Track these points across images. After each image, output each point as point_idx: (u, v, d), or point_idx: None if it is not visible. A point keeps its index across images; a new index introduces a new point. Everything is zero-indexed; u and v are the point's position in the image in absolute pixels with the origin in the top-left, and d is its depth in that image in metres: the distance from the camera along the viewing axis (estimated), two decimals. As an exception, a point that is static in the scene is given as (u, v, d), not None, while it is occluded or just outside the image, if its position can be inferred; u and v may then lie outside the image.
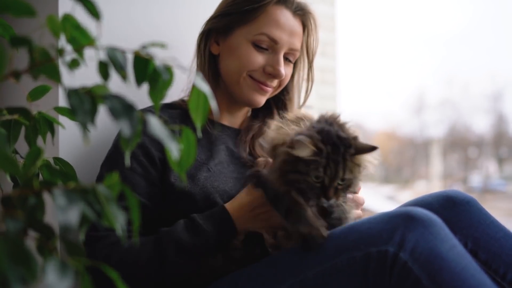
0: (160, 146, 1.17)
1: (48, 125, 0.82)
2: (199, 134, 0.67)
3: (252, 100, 1.29)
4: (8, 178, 0.79)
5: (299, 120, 1.08)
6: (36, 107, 0.83)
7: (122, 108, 0.58)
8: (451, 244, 0.92)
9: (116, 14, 1.37)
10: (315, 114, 1.14)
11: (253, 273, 1.04)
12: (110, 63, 0.62)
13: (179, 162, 0.64)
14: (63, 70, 0.63)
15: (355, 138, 1.00)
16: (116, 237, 1.08)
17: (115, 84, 0.76)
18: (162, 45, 0.65)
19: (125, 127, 0.57)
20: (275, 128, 1.09)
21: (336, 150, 0.97)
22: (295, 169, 0.99)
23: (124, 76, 0.62)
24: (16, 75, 0.60)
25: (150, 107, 1.24)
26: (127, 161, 0.63)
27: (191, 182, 1.16)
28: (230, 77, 1.28)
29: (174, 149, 0.60)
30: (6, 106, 0.75)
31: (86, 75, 0.95)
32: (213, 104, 0.65)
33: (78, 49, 0.63)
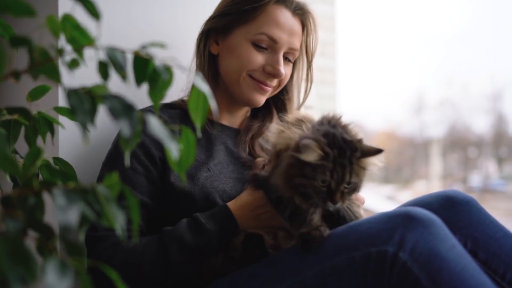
0: (160, 146, 1.17)
1: (48, 125, 0.82)
2: (199, 134, 0.67)
3: (252, 100, 1.29)
4: (8, 178, 0.79)
5: (300, 122, 1.07)
6: (36, 107, 0.83)
7: (121, 108, 0.58)
8: (450, 244, 0.92)
9: (116, 14, 1.37)
10: (315, 114, 1.14)
11: (253, 273, 1.04)
12: (110, 63, 0.62)
13: (178, 162, 0.64)
14: (63, 70, 0.63)
15: (360, 140, 0.99)
16: (118, 237, 1.08)
17: (115, 84, 0.76)
18: (162, 45, 0.65)
19: (124, 127, 0.57)
20: (277, 132, 1.08)
21: (343, 154, 0.97)
22: (301, 174, 0.97)
23: (123, 76, 0.62)
24: (16, 75, 0.60)
25: (149, 107, 1.24)
26: (127, 161, 0.63)
27: (190, 182, 1.16)
28: (230, 77, 1.28)
29: (173, 149, 0.61)
30: (6, 106, 0.75)
31: (86, 75, 0.95)
32: (212, 104, 0.65)
33: (78, 49, 0.63)
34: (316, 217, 1.01)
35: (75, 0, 0.62)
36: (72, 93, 0.58)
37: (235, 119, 1.37)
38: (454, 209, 1.11)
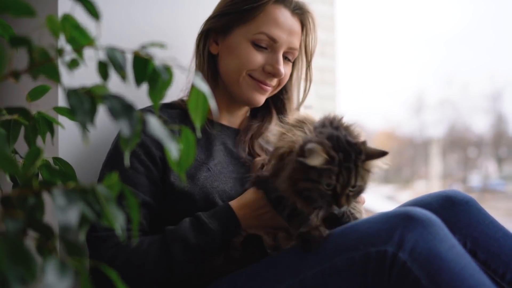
0: (160, 145, 1.17)
1: (47, 125, 0.82)
2: (199, 134, 0.67)
3: (252, 100, 1.29)
4: (8, 178, 0.79)
5: (301, 123, 1.07)
6: (35, 107, 0.83)
7: (121, 108, 0.58)
8: (450, 244, 0.93)
9: (116, 14, 1.37)
10: (314, 114, 1.14)
11: (252, 273, 1.04)
12: (110, 63, 0.62)
13: (178, 162, 0.64)
14: (63, 70, 0.63)
15: (364, 143, 0.99)
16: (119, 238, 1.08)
17: (115, 84, 0.76)
18: (162, 45, 0.65)
19: (124, 127, 0.58)
20: (278, 134, 1.08)
21: (348, 157, 0.96)
22: (306, 178, 0.97)
23: (123, 76, 0.62)
24: (16, 75, 0.60)
25: (149, 106, 1.24)
26: (127, 161, 0.63)
27: (190, 182, 1.16)
28: (230, 77, 1.28)
29: (173, 149, 0.61)
30: (6, 106, 0.75)
31: (85, 75, 0.95)
32: (212, 104, 0.65)
33: (78, 49, 0.63)
34: (315, 217, 1.01)
35: (75, 0, 0.62)
36: (71, 93, 0.58)
37: (234, 119, 1.37)
38: (453, 209, 1.11)
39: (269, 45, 1.25)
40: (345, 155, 0.96)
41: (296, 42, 1.28)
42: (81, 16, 0.65)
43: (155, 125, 0.60)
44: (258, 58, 1.25)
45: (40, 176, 0.73)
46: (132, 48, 0.65)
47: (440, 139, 23.06)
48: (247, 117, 1.40)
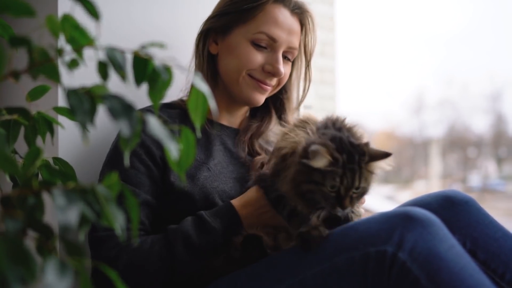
0: (161, 145, 1.17)
1: (47, 125, 0.82)
2: (198, 134, 0.67)
3: (252, 99, 1.29)
4: (8, 178, 0.79)
5: (303, 123, 1.07)
6: (35, 107, 0.83)
7: (121, 108, 0.58)
8: (449, 244, 0.93)
9: (116, 14, 1.37)
10: (314, 114, 1.14)
11: (252, 273, 1.04)
12: (110, 63, 0.62)
13: (178, 162, 0.64)
14: (63, 70, 0.63)
15: (367, 144, 0.99)
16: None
17: (115, 84, 0.76)
18: (161, 45, 0.65)
19: (124, 127, 0.58)
20: (281, 135, 1.08)
21: (351, 159, 0.96)
22: (310, 180, 0.97)
23: (123, 76, 0.62)
24: (16, 75, 0.60)
25: (149, 106, 1.24)
26: (127, 161, 0.63)
27: (190, 182, 1.16)
28: (229, 77, 1.28)
29: (173, 149, 0.61)
30: (6, 106, 0.75)
31: (85, 75, 0.95)
32: (212, 104, 0.65)
33: (78, 49, 0.63)
34: (315, 217, 1.01)
35: (74, 0, 0.62)
36: (71, 93, 0.58)
37: (234, 119, 1.37)
38: (453, 209, 1.11)
39: (269, 45, 1.25)
40: (349, 156, 0.96)
41: (295, 41, 1.28)
42: (81, 16, 0.65)
43: (155, 125, 0.60)
44: (258, 57, 1.25)
45: (40, 176, 0.73)
46: (132, 48, 0.65)
47: (440, 139, 23.05)
48: (247, 117, 1.40)
